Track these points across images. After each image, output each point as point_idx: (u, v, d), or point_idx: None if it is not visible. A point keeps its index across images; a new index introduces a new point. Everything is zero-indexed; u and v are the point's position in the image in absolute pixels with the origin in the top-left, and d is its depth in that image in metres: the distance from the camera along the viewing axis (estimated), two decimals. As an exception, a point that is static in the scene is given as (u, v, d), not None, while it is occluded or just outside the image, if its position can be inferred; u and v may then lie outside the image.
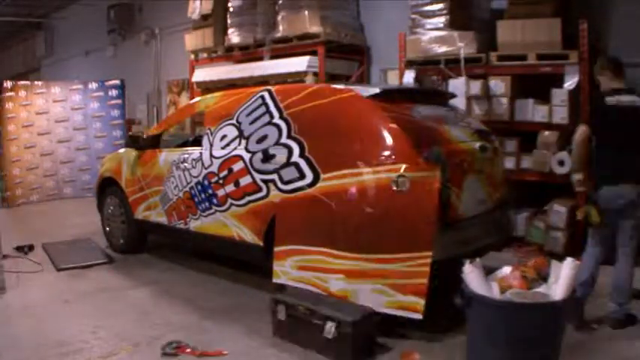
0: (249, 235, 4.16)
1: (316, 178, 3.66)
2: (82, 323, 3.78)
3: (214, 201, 4.39)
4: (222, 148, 4.34)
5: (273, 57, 7.35)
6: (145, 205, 5.18)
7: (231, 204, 4.24)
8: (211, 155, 4.42)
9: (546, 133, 5.24)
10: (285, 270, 3.82)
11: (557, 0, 5.27)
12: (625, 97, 3.65)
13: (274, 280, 3.87)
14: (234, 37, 7.82)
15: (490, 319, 2.72)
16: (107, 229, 5.78)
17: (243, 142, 4.18)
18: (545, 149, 5.23)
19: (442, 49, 5.75)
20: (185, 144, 5.44)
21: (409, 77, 5.94)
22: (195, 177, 4.55)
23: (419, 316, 3.20)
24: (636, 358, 3.24)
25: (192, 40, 8.58)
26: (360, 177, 3.47)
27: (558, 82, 5.17)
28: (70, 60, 13.90)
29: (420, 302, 3.19)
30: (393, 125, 3.49)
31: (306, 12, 6.88)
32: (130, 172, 5.34)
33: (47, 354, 3.29)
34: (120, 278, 4.83)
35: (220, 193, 4.32)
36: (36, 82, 9.61)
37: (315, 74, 6.79)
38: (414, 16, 6.08)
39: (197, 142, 4.94)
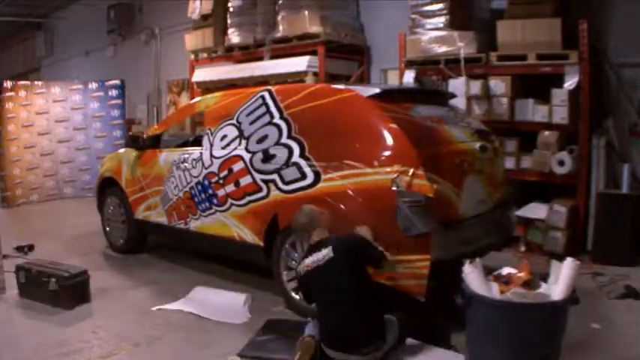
0: (249, 235, 4.16)
1: (317, 179, 3.67)
2: (82, 323, 3.78)
3: (214, 201, 4.39)
4: (223, 148, 4.34)
5: (273, 57, 7.35)
6: (145, 205, 5.18)
7: (232, 204, 4.24)
8: (211, 155, 4.42)
9: (546, 133, 5.24)
10: None
11: (557, 0, 5.27)
12: None
13: None
14: (234, 37, 7.82)
15: (490, 319, 2.72)
16: (107, 229, 5.78)
17: (244, 142, 4.19)
18: (545, 149, 5.24)
19: (442, 49, 5.75)
20: (185, 144, 5.44)
21: (409, 77, 5.94)
22: (195, 177, 4.55)
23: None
24: (636, 358, 3.24)
25: (192, 40, 8.58)
26: (360, 177, 3.48)
27: (558, 82, 5.17)
28: (70, 60, 13.89)
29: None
30: (393, 125, 3.49)
31: (306, 12, 6.88)
32: (130, 172, 5.34)
33: (47, 354, 3.29)
34: (120, 278, 4.84)
35: (220, 193, 4.32)
36: (36, 82, 9.60)
37: (315, 74, 6.79)
38: (414, 16, 6.09)
39: (197, 142, 4.94)
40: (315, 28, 6.81)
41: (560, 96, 5.12)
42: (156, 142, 5.33)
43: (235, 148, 4.24)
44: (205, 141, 4.53)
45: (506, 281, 2.82)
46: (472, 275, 2.77)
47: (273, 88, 4.22)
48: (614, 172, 5.32)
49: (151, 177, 5.08)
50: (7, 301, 4.25)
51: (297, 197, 3.77)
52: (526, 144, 5.42)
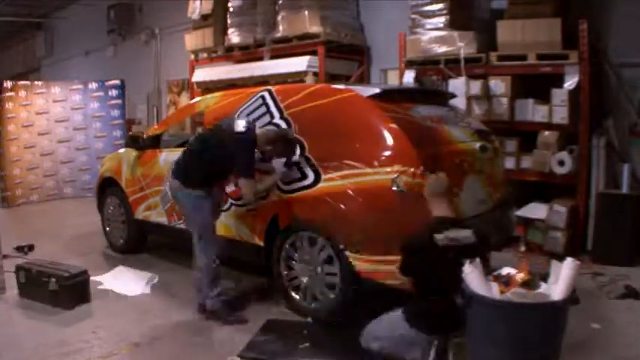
0: (249, 235, 4.16)
1: (317, 179, 3.67)
2: (82, 323, 3.78)
3: (214, 201, 4.38)
4: (223, 148, 4.33)
5: (273, 57, 7.34)
6: (145, 205, 5.17)
7: (232, 204, 4.24)
8: (211, 155, 4.41)
9: (546, 133, 5.24)
10: None
11: (557, 0, 5.27)
12: None
13: None
14: (234, 37, 7.82)
15: (490, 319, 2.72)
16: (107, 229, 5.78)
17: (244, 142, 4.18)
18: (545, 149, 5.24)
19: (442, 49, 5.75)
20: (185, 144, 5.43)
21: (409, 77, 5.94)
22: (195, 177, 4.55)
23: None
24: (636, 358, 3.24)
25: (192, 40, 8.58)
26: (360, 177, 3.48)
27: (558, 82, 5.17)
28: (70, 60, 13.88)
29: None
30: (393, 125, 3.50)
31: (306, 12, 6.87)
32: (130, 172, 5.34)
33: (47, 354, 3.29)
34: (120, 278, 4.84)
35: (220, 193, 4.32)
36: (36, 82, 9.60)
37: (315, 74, 6.79)
38: (414, 16, 6.09)
39: None
40: (315, 28, 6.81)
41: (560, 96, 5.12)
42: (156, 142, 5.32)
43: (235, 148, 4.23)
44: (205, 141, 4.52)
45: (506, 281, 2.82)
46: (472, 275, 2.76)
47: (273, 88, 4.22)
48: (614, 172, 5.33)
49: (151, 177, 5.07)
50: (7, 301, 4.25)
51: (297, 197, 3.78)
52: (526, 144, 5.42)
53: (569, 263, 2.75)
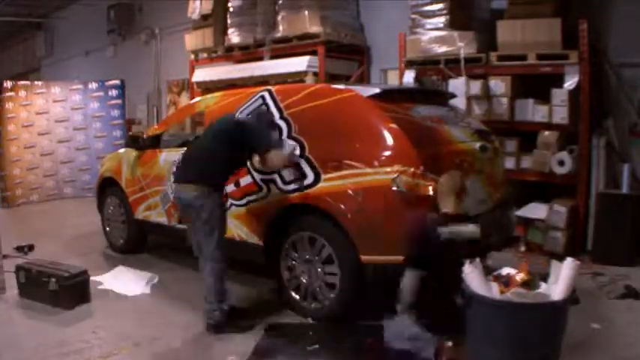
0: (249, 235, 4.16)
1: (317, 179, 3.67)
2: (82, 323, 3.78)
3: (214, 201, 4.38)
4: (223, 148, 4.33)
5: (273, 57, 7.34)
6: (145, 205, 5.17)
7: (232, 204, 4.23)
8: (211, 155, 4.41)
9: (546, 133, 5.24)
10: None
11: (557, 0, 5.27)
12: None
13: None
14: (234, 37, 7.81)
15: (490, 319, 2.72)
16: (107, 229, 5.78)
17: (244, 142, 4.18)
18: (545, 149, 5.24)
19: (442, 49, 5.75)
20: (185, 144, 5.43)
21: (409, 77, 5.94)
22: (195, 177, 4.55)
23: None
24: (636, 358, 3.24)
25: (192, 40, 8.58)
26: (360, 177, 3.48)
27: (558, 82, 5.17)
28: (70, 60, 13.88)
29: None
30: (393, 125, 3.50)
31: (306, 12, 6.87)
32: (130, 172, 5.34)
33: (47, 354, 3.29)
34: (120, 278, 4.83)
35: (220, 193, 4.31)
36: (36, 82, 9.60)
37: (315, 74, 6.78)
38: (414, 16, 6.08)
39: None
40: (315, 28, 6.81)
41: (560, 96, 5.12)
42: (156, 142, 5.32)
43: (235, 148, 4.23)
44: (205, 141, 4.52)
45: (505, 281, 2.82)
46: (472, 275, 2.77)
47: (273, 88, 4.22)
48: (614, 172, 5.32)
49: (151, 177, 5.07)
50: (7, 301, 4.25)
51: (297, 197, 3.78)
52: (526, 144, 5.41)
53: (569, 263, 2.75)
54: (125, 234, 5.51)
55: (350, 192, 3.50)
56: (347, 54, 7.26)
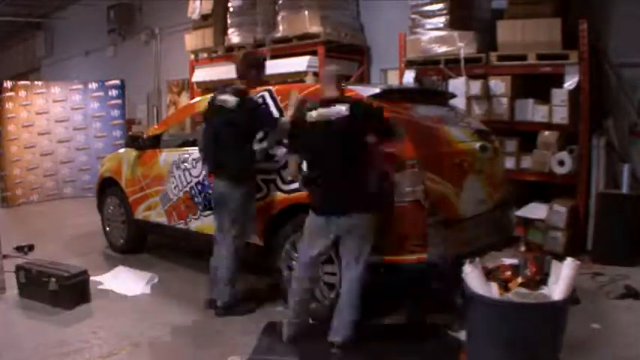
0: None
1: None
2: (82, 323, 3.78)
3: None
4: (223, 147, 4.33)
5: (273, 57, 7.33)
6: (145, 205, 5.17)
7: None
8: (211, 155, 4.41)
9: (546, 133, 5.24)
10: None
11: (557, 0, 5.27)
12: None
13: None
14: (234, 37, 7.81)
15: (490, 319, 2.72)
16: (107, 229, 5.78)
17: (244, 141, 4.17)
18: (545, 149, 5.23)
19: (442, 49, 5.75)
20: (185, 144, 5.43)
21: (409, 77, 5.94)
22: (195, 177, 4.55)
23: None
24: (636, 358, 3.24)
25: (192, 40, 8.58)
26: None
27: (558, 82, 5.17)
28: (70, 60, 13.88)
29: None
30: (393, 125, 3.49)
31: (306, 12, 6.87)
32: (130, 172, 5.34)
33: (47, 354, 3.29)
34: (120, 278, 4.83)
35: (220, 193, 4.31)
36: (36, 82, 9.60)
37: (315, 74, 6.78)
38: (414, 16, 6.08)
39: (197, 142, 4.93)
40: (315, 28, 6.80)
41: (560, 96, 5.12)
42: (156, 142, 5.31)
43: (235, 148, 4.23)
44: (205, 141, 4.52)
45: (505, 283, 2.82)
46: (472, 275, 2.77)
47: (273, 88, 4.22)
48: (614, 172, 5.32)
49: (151, 177, 5.08)
50: (7, 301, 4.25)
51: (297, 197, 3.78)
52: (526, 144, 5.41)
53: (569, 263, 2.75)
54: (125, 234, 5.51)
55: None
56: (347, 54, 7.25)
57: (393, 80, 6.80)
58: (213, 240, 4.07)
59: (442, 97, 4.56)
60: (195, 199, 4.57)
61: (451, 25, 5.76)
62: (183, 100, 10.10)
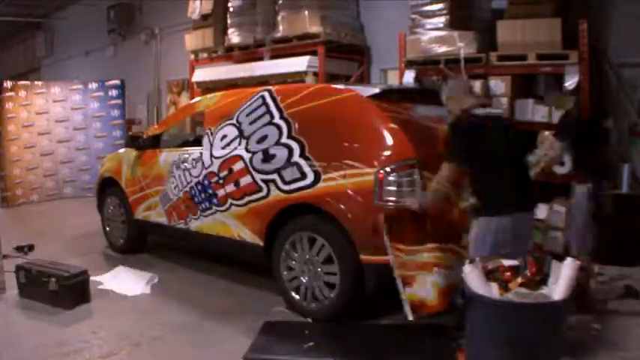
0: (249, 235, 4.16)
1: (317, 178, 3.67)
2: (82, 323, 3.78)
3: (214, 201, 4.39)
4: (223, 148, 4.34)
5: (273, 57, 7.34)
6: (145, 205, 5.18)
7: (232, 204, 4.24)
8: (211, 155, 4.42)
9: (546, 133, 5.23)
10: None
11: (557, 0, 5.26)
12: None
13: None
14: (234, 37, 7.81)
15: (490, 319, 2.72)
16: (107, 229, 5.78)
17: (244, 142, 4.19)
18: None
19: (442, 49, 5.74)
20: (185, 144, 5.44)
21: (409, 77, 5.94)
22: (195, 177, 4.55)
23: None
24: (636, 358, 3.24)
25: (192, 40, 8.58)
26: (360, 177, 3.48)
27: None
28: (70, 60, 13.88)
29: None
30: (393, 125, 3.50)
31: (306, 12, 6.87)
32: (130, 172, 5.34)
33: (47, 354, 3.29)
34: (120, 278, 4.83)
35: (220, 193, 4.32)
36: (36, 82, 9.61)
37: (315, 74, 6.78)
38: (414, 16, 6.08)
39: (197, 142, 4.94)
40: (315, 28, 6.80)
41: (559, 97, 5.12)
42: (156, 142, 5.32)
43: (235, 148, 4.24)
44: (205, 141, 4.53)
45: (504, 284, 2.81)
46: (472, 275, 2.77)
47: (273, 88, 4.22)
48: (614, 172, 5.32)
49: (151, 177, 5.08)
50: (7, 301, 4.25)
51: (297, 197, 3.78)
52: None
53: (569, 263, 2.75)
54: (125, 234, 5.51)
55: (350, 192, 3.51)
56: (347, 54, 7.25)
57: (393, 80, 6.80)
58: (212, 240, 4.07)
59: (442, 97, 4.56)
60: (195, 199, 4.57)
61: (451, 25, 5.76)
62: (183, 100, 10.10)
